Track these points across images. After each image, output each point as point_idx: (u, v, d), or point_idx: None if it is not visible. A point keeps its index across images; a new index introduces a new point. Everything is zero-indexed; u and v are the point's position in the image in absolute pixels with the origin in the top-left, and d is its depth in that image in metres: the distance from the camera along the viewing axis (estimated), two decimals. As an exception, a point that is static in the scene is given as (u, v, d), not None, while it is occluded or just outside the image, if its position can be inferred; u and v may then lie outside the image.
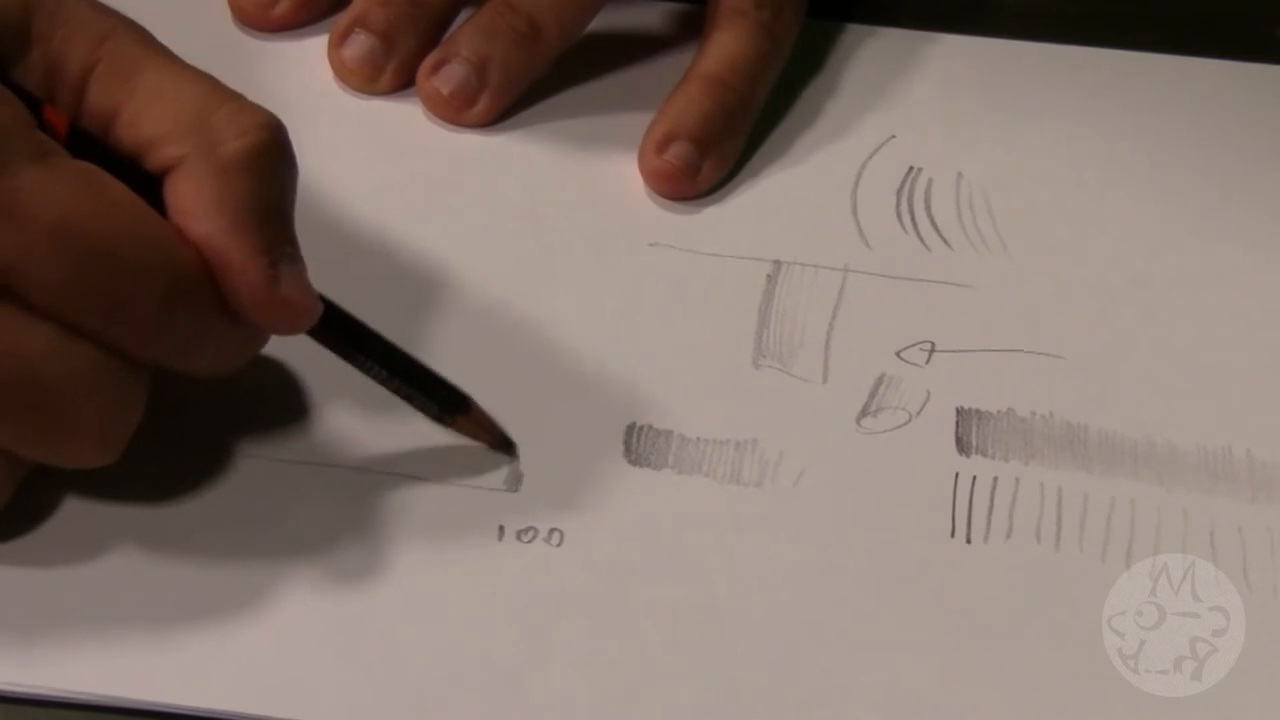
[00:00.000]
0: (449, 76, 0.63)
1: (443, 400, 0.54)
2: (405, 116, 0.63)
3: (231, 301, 0.49)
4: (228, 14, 0.65)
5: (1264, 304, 0.60)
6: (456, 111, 0.63)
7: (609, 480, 0.55)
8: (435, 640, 0.51)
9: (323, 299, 0.51)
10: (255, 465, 0.54)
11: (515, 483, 0.54)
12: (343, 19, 0.64)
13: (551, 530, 0.53)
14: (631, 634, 0.51)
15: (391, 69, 0.64)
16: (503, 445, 0.55)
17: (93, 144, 0.49)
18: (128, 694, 0.49)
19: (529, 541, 0.53)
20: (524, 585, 0.52)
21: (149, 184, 0.49)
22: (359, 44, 0.64)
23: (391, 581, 0.52)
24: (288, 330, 0.51)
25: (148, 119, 0.49)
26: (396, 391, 0.53)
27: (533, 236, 0.60)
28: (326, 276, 0.58)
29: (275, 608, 0.51)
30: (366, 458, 0.54)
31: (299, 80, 0.64)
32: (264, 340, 0.51)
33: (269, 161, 0.49)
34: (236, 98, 0.50)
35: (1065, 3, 0.69)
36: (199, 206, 0.48)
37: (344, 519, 0.53)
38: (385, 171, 0.62)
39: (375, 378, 0.53)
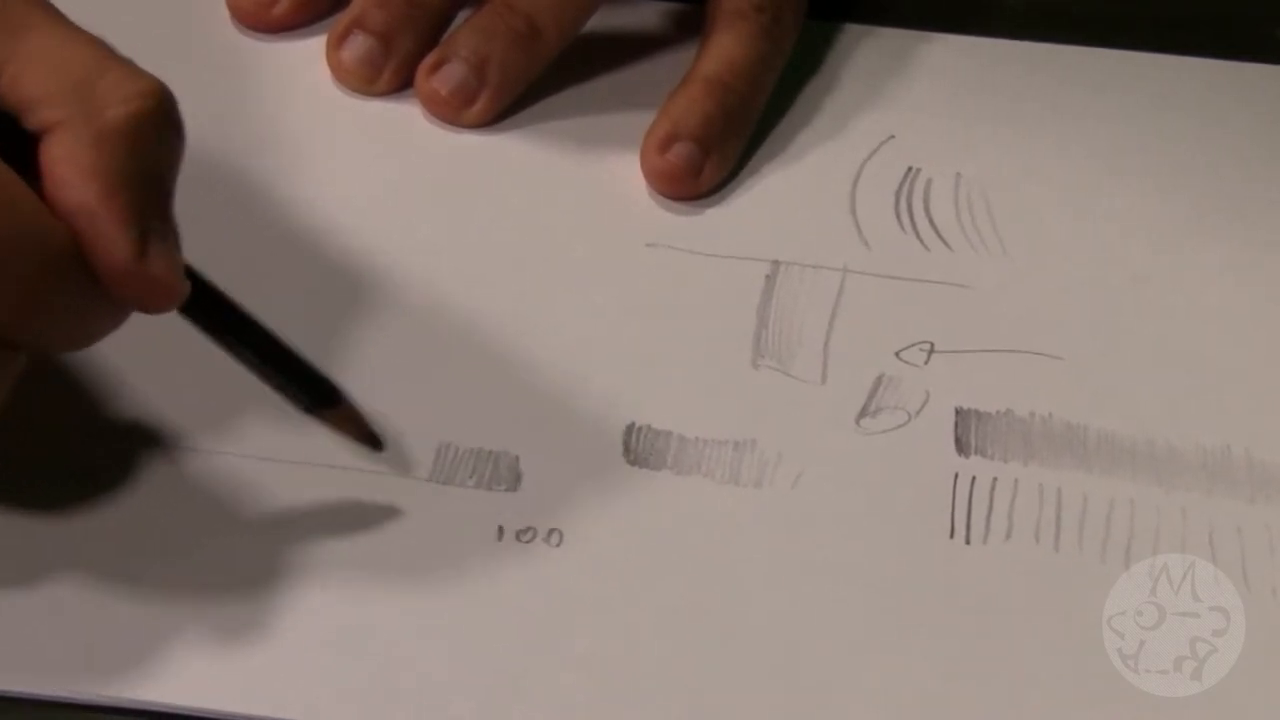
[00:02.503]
0: (448, 77, 0.63)
1: (312, 392, 0.53)
2: (404, 117, 0.63)
3: (97, 274, 0.47)
4: (227, 14, 0.65)
5: (1264, 304, 0.60)
6: (455, 111, 0.63)
7: (608, 480, 0.54)
8: (435, 640, 0.51)
9: (198, 277, 0.50)
10: (255, 466, 0.54)
11: (514, 483, 0.54)
12: (341, 20, 0.64)
13: (551, 530, 0.53)
14: (631, 634, 0.51)
15: (390, 70, 0.64)
16: (369, 440, 0.54)
17: None
18: (127, 695, 0.49)
19: (528, 541, 0.53)
20: (523, 585, 0.52)
21: (24, 145, 0.47)
22: (358, 45, 0.64)
23: (391, 581, 0.52)
24: (152, 309, 0.49)
25: (29, 78, 0.47)
26: (266, 379, 0.52)
27: (532, 236, 0.60)
28: (326, 276, 0.58)
29: (275, 608, 0.51)
30: (364, 457, 0.54)
31: (298, 81, 0.64)
32: (127, 316, 0.49)
33: (151, 131, 0.48)
34: (125, 64, 0.48)
35: (1065, 2, 0.69)
36: (72, 173, 0.47)
37: (343, 519, 0.53)
38: (384, 172, 0.62)
39: (245, 363, 0.52)
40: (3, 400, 0.49)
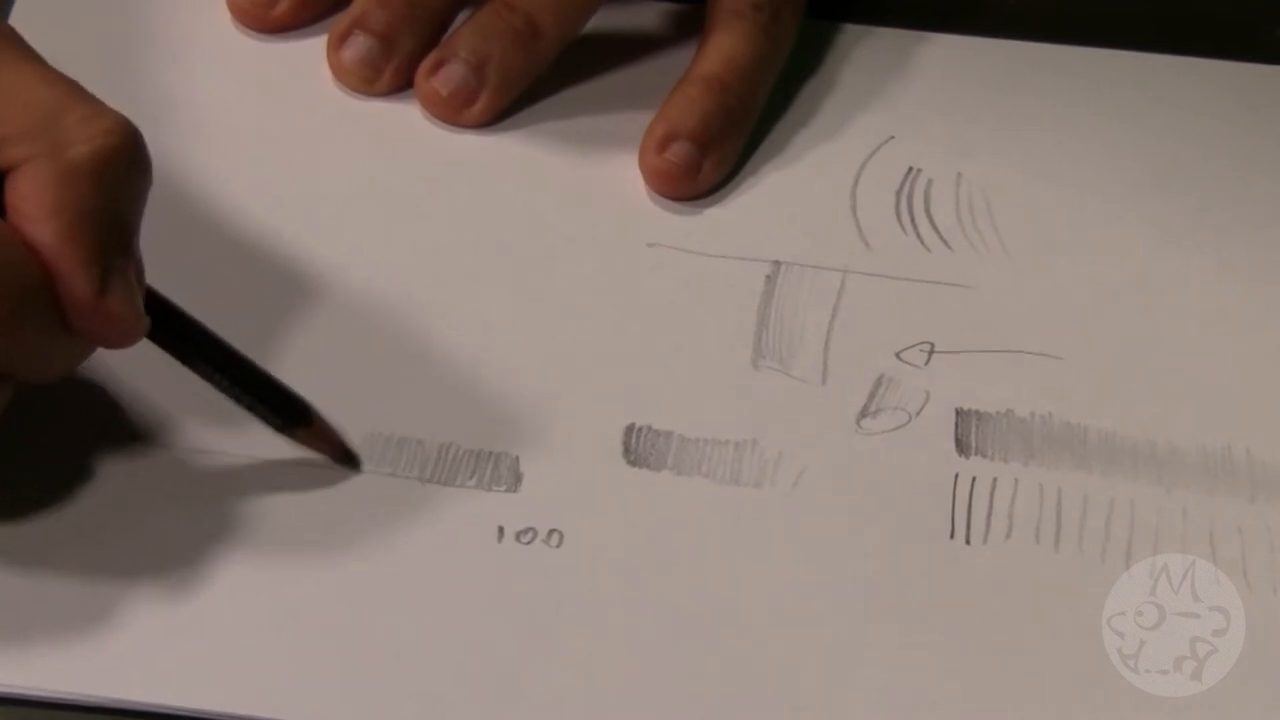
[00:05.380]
0: (448, 77, 0.63)
1: (284, 411, 0.53)
2: (404, 117, 0.63)
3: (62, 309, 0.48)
4: (227, 14, 0.65)
5: (1263, 304, 0.60)
6: (455, 112, 0.63)
7: (608, 481, 0.55)
8: (435, 641, 0.51)
9: (164, 303, 0.51)
10: (254, 467, 0.54)
11: (515, 483, 0.54)
12: (342, 20, 0.64)
13: (551, 531, 0.53)
14: (631, 634, 0.51)
15: (390, 70, 0.64)
16: (345, 458, 0.54)
17: None
18: (126, 696, 0.49)
19: (528, 542, 0.53)
20: (524, 585, 0.52)
21: None
22: (358, 45, 0.63)
23: (392, 581, 0.52)
24: (112, 344, 0.50)
25: None
26: (238, 400, 0.53)
27: (532, 237, 0.60)
28: (325, 276, 0.58)
29: (276, 608, 0.51)
30: (363, 458, 0.54)
31: (298, 81, 0.64)
32: (91, 350, 0.50)
33: (116, 168, 0.48)
34: (91, 101, 0.49)
35: (1064, 2, 0.69)
36: (37, 209, 0.47)
37: (344, 519, 0.53)
38: (384, 172, 0.62)
39: (216, 385, 0.52)
40: None
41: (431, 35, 0.64)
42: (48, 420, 0.54)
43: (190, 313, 0.52)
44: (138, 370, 0.54)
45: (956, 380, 0.58)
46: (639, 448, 0.55)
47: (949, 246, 0.61)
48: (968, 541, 0.54)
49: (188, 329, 0.52)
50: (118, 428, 0.54)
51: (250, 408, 0.53)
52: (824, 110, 0.65)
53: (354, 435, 0.54)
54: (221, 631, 0.50)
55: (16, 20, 0.63)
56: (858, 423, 0.56)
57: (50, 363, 0.50)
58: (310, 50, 0.65)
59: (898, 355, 0.58)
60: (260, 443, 0.54)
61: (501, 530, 0.53)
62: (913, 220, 0.62)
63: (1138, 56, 0.67)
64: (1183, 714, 0.51)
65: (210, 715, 0.49)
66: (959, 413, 0.57)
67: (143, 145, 0.49)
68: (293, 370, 0.55)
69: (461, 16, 0.64)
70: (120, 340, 0.50)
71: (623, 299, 0.59)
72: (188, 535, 0.52)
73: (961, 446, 0.56)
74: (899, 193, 0.63)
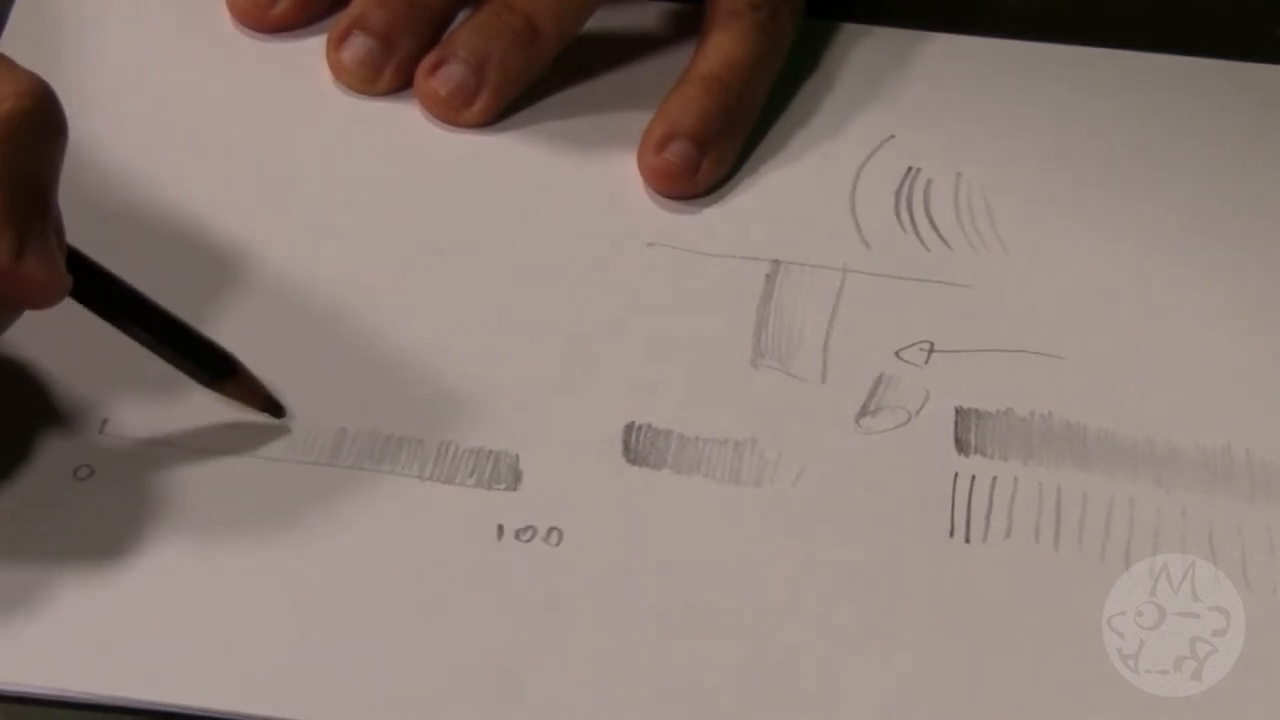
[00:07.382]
0: (447, 77, 0.63)
1: (209, 364, 0.53)
2: (404, 117, 0.63)
3: None
4: (227, 14, 0.65)
5: (1263, 303, 0.60)
6: (455, 112, 0.63)
7: (608, 480, 0.55)
8: (435, 640, 0.51)
9: (85, 260, 0.50)
10: (256, 467, 0.54)
11: (514, 482, 0.54)
12: (341, 20, 0.64)
13: (550, 529, 0.53)
14: (631, 634, 0.51)
15: (390, 70, 0.64)
16: (270, 407, 0.54)
17: None
18: (125, 694, 0.49)
19: (528, 541, 0.53)
20: (523, 584, 0.52)
21: None
22: (358, 45, 0.63)
23: (391, 581, 0.52)
24: (34, 306, 0.49)
25: None
26: (164, 356, 0.53)
27: (532, 236, 0.60)
28: (324, 275, 0.58)
29: (275, 607, 0.51)
30: (363, 457, 0.54)
31: (298, 81, 0.64)
32: (16, 316, 0.50)
33: (29, 129, 0.48)
34: (3, 62, 0.48)
35: (1064, 2, 0.69)
36: None
37: (344, 518, 0.53)
38: (384, 172, 0.62)
39: (141, 342, 0.52)
40: None
41: (431, 35, 0.64)
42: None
43: (112, 270, 0.52)
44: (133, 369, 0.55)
45: (956, 379, 0.58)
46: (639, 446, 0.55)
47: (948, 246, 0.61)
48: (967, 540, 0.54)
49: (111, 287, 0.52)
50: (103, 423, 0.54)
51: (177, 363, 0.53)
52: (824, 110, 0.65)
53: (353, 433, 0.55)
54: (219, 630, 0.50)
55: (16, 20, 0.63)
56: (857, 421, 0.56)
57: None
58: (310, 50, 0.65)
59: (897, 354, 0.58)
60: (259, 446, 0.54)
61: (501, 528, 0.53)
62: (912, 220, 0.62)
63: (1138, 56, 0.67)
64: (1183, 714, 0.51)
65: (206, 714, 0.49)
66: (959, 411, 0.57)
67: (56, 105, 0.49)
68: (291, 369, 0.55)
69: (461, 16, 0.64)
70: (41, 302, 0.49)
71: (622, 298, 0.59)
72: (184, 534, 0.52)
73: (961, 445, 0.56)
74: (898, 192, 0.63)
